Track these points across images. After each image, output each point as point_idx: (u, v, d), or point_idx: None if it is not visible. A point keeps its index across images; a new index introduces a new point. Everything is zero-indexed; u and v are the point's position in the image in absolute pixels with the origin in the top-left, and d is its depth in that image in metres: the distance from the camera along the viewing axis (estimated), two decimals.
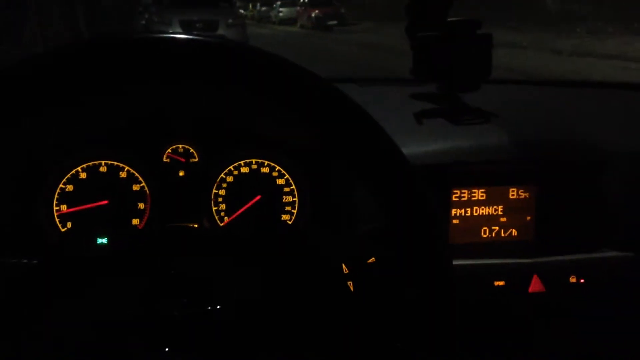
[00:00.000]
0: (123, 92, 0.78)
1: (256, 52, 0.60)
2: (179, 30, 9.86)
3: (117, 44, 0.58)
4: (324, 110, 0.60)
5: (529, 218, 0.99)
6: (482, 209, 0.99)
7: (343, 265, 0.67)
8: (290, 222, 1.05)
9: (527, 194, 0.99)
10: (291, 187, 1.06)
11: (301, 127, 0.79)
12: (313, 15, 22.30)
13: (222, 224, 1.03)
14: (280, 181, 1.06)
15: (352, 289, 0.67)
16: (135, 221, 1.00)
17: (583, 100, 1.26)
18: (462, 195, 0.98)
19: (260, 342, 0.65)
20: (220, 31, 10.08)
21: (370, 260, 0.66)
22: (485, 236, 1.00)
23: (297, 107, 0.61)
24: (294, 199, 1.06)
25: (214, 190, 1.04)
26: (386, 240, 0.63)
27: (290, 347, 0.64)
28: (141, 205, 1.01)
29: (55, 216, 0.98)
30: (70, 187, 0.98)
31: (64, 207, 0.98)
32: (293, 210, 1.06)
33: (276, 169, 1.05)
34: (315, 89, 0.60)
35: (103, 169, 1.00)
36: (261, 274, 0.70)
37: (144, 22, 11.31)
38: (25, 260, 0.69)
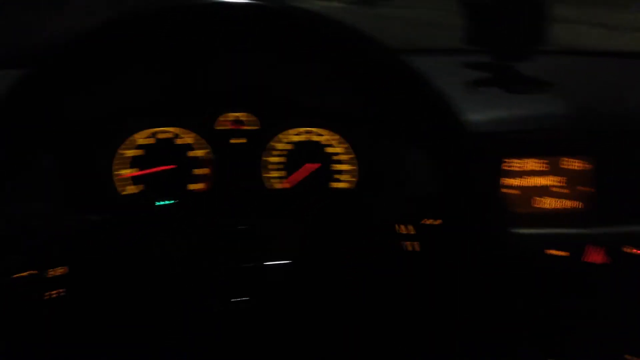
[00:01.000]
0: (179, 59, 0.80)
1: (316, 17, 0.60)
2: None
3: (182, 10, 0.59)
4: (388, 77, 0.61)
5: (585, 189, 0.98)
6: (534, 179, 0.99)
7: (401, 227, 0.69)
8: (343, 189, 1.07)
9: (584, 165, 0.98)
10: (342, 155, 1.07)
11: (359, 94, 0.80)
12: None
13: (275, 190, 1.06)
14: (331, 149, 1.07)
15: (408, 249, 0.68)
16: (192, 185, 1.04)
17: (636, 71, 1.23)
18: (514, 164, 0.98)
19: (321, 299, 0.67)
20: None
21: (425, 222, 0.68)
22: (536, 206, 0.99)
23: (361, 73, 0.62)
24: (345, 166, 1.07)
25: (266, 157, 1.06)
26: (443, 204, 0.65)
27: (348, 305, 0.67)
28: (199, 171, 1.04)
29: (119, 178, 1.02)
30: (134, 152, 1.02)
31: (127, 171, 1.02)
32: (346, 178, 1.07)
33: (329, 137, 1.07)
34: (381, 55, 0.61)
35: (162, 135, 1.03)
36: (318, 234, 0.72)
37: None
38: (94, 217, 0.73)
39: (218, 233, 0.73)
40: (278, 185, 1.06)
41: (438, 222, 0.67)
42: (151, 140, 1.03)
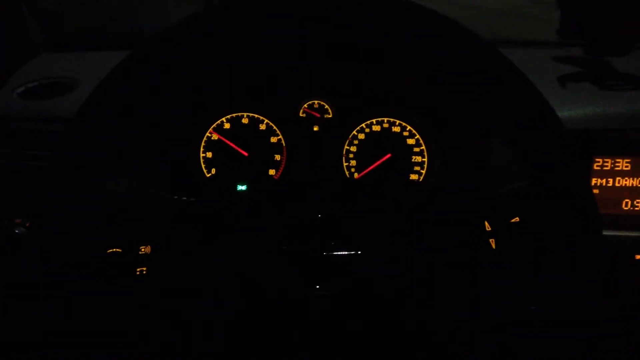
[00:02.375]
0: (269, 47, 0.81)
1: (405, 4, 0.59)
2: None
3: (260, 3, 0.60)
4: (483, 69, 0.60)
5: None
6: (626, 180, 0.94)
7: (486, 223, 0.67)
8: (419, 181, 1.06)
9: None
10: (421, 147, 1.06)
11: (443, 87, 0.79)
12: None
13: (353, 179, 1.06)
14: (410, 141, 1.06)
15: (493, 246, 0.67)
16: (271, 171, 1.06)
17: None
18: (605, 164, 0.94)
19: (399, 294, 0.67)
20: None
21: (513, 220, 0.66)
22: (626, 208, 0.95)
23: (453, 66, 0.60)
24: (424, 159, 1.06)
25: (346, 147, 1.07)
26: (532, 201, 0.63)
27: (427, 302, 0.66)
28: (277, 157, 1.06)
29: (202, 162, 1.05)
30: (215, 136, 1.05)
31: (209, 154, 1.06)
32: (422, 170, 1.06)
33: (407, 129, 1.06)
34: (476, 47, 0.59)
35: (245, 120, 1.06)
36: (398, 227, 0.72)
37: None
38: (185, 198, 0.76)
39: (297, 220, 0.74)
40: (357, 175, 1.07)
41: (516, 219, 0.65)
42: (233, 125, 1.06)
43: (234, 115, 1.06)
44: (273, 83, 1.05)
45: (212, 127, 1.05)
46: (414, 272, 0.68)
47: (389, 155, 1.06)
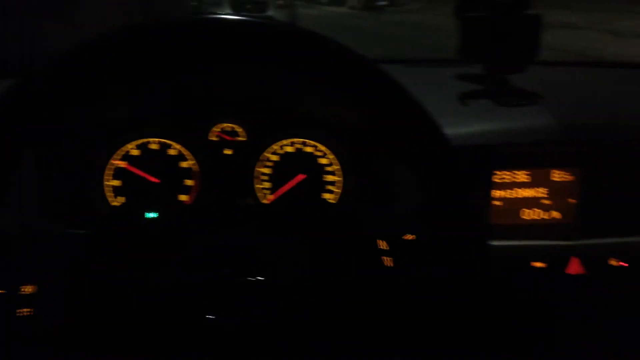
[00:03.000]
0: (175, 71, 0.81)
1: (305, 33, 0.62)
2: (229, 10, 9.94)
3: (170, 26, 0.61)
4: (369, 90, 0.62)
5: (572, 201, 0.99)
6: (525, 191, 0.99)
7: (379, 242, 0.69)
8: (333, 202, 1.07)
9: (571, 177, 0.98)
10: (335, 167, 1.07)
11: (346, 107, 0.81)
12: None
13: (265, 202, 1.07)
14: (323, 160, 1.08)
15: (389, 264, 0.69)
16: (183, 197, 1.05)
17: (628, 81, 1.23)
18: (505, 176, 0.98)
19: (299, 314, 0.68)
20: (270, 12, 10.10)
21: (407, 237, 0.68)
22: (526, 218, 1.00)
23: (344, 87, 0.63)
24: (338, 178, 1.08)
25: (259, 169, 1.07)
26: (424, 218, 0.65)
27: (328, 320, 0.67)
28: (189, 182, 1.05)
29: (107, 190, 1.03)
30: (122, 164, 1.03)
31: (117, 182, 1.03)
32: (336, 190, 1.08)
33: (320, 149, 1.07)
34: (361, 69, 0.61)
35: (154, 146, 1.04)
36: (302, 249, 0.73)
37: (195, 2, 11.46)
38: (82, 231, 0.74)
39: (206, 247, 0.73)
40: (270, 197, 1.07)
41: (412, 237, 0.67)
42: (141, 151, 1.04)
43: (142, 141, 1.04)
44: (182, 107, 1.04)
45: (118, 154, 1.03)
46: (317, 295, 0.69)
47: (301, 176, 1.07)
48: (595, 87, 1.16)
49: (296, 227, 0.78)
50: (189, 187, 1.05)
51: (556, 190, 0.98)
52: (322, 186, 1.08)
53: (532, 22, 1.02)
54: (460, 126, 0.97)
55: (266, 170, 1.07)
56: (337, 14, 21.96)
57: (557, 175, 0.98)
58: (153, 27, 0.61)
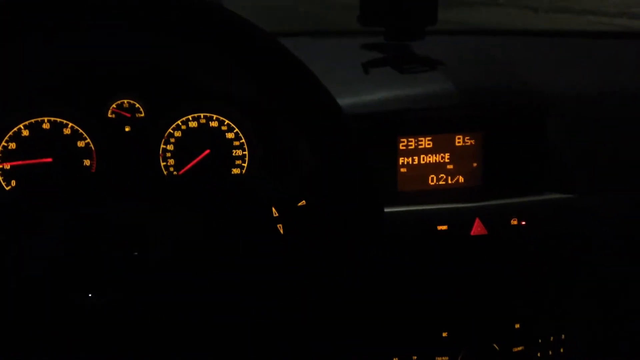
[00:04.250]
0: (60, 37, 0.77)
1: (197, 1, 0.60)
2: None
3: None
4: (259, 59, 0.61)
5: (475, 164, 1.01)
6: (429, 157, 1.00)
7: (273, 209, 0.68)
8: (240, 175, 1.05)
9: (472, 141, 1.00)
10: (241, 141, 1.05)
11: (240, 77, 0.79)
12: None
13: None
14: (229, 135, 1.05)
15: (281, 232, 0.68)
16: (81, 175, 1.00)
17: (527, 48, 1.27)
18: (410, 143, 0.99)
19: (194, 286, 0.66)
20: None
21: (300, 204, 0.67)
22: (432, 184, 1.01)
23: (236, 57, 0.61)
24: (244, 152, 1.05)
25: (162, 146, 1.03)
26: (316, 184, 0.64)
27: (222, 290, 0.65)
28: (87, 162, 1.00)
29: (5, 173, 0.96)
30: (12, 145, 0.97)
31: (6, 166, 0.97)
32: (243, 164, 1.05)
33: (225, 123, 1.05)
34: (252, 38, 0.60)
35: (46, 125, 0.98)
36: (198, 219, 0.71)
37: None
38: None
39: (100, 222, 0.70)
40: (175, 174, 1.03)
41: (302, 203, 0.66)
42: (32, 131, 0.98)
43: (32, 121, 0.97)
44: (75, 82, 0.98)
45: (7, 135, 0.96)
46: (208, 265, 0.67)
47: (207, 151, 1.04)
48: (494, 54, 1.18)
49: (194, 199, 0.75)
50: (87, 167, 1.00)
51: (459, 155, 1.00)
52: (231, 161, 1.05)
53: None
54: (364, 94, 0.96)
55: (170, 147, 1.03)
56: None
57: (460, 140, 1.00)
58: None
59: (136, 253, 0.64)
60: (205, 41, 0.63)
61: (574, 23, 8.50)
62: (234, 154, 1.05)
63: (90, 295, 0.63)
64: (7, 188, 0.97)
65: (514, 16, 9.66)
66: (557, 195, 0.95)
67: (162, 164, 1.03)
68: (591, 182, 0.98)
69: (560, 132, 0.98)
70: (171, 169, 1.03)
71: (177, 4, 0.60)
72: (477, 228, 0.92)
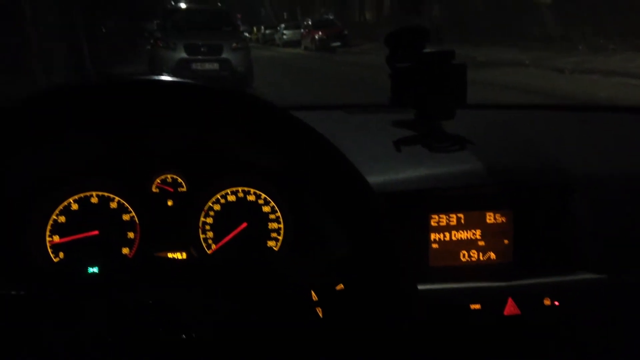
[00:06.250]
0: (114, 128, 0.82)
1: (222, 91, 0.64)
2: (184, 54, 9.99)
3: (109, 86, 0.63)
4: (286, 140, 0.64)
5: (506, 241, 1.02)
6: (460, 233, 1.02)
7: (312, 293, 0.70)
8: (276, 249, 1.08)
9: (503, 218, 1.02)
10: (277, 214, 1.09)
11: (271, 154, 0.83)
12: (317, 37, 22.52)
13: (209, 252, 1.07)
14: (266, 208, 1.09)
15: (320, 315, 0.70)
16: (125, 250, 1.04)
17: (556, 123, 1.30)
18: (441, 220, 1.01)
19: None
20: (225, 55, 10.17)
21: (339, 287, 0.69)
22: (464, 260, 1.02)
23: (264, 137, 0.65)
24: (280, 225, 1.09)
25: (202, 219, 1.07)
26: (351, 266, 0.67)
27: None
28: (131, 235, 1.04)
29: (48, 247, 1.01)
30: (62, 218, 1.02)
31: (56, 238, 1.02)
32: (279, 237, 1.09)
33: (262, 197, 1.09)
34: (275, 120, 0.64)
35: (94, 199, 1.04)
36: (241, 303, 0.73)
37: (149, 46, 11.47)
38: (14, 292, 0.72)
39: (144, 304, 0.73)
40: (214, 246, 1.07)
41: (340, 287, 0.68)
42: (81, 205, 1.03)
43: (81, 195, 1.03)
44: (122, 159, 1.04)
45: (58, 209, 1.02)
46: (249, 348, 0.69)
47: (244, 225, 1.08)
48: (522, 129, 1.22)
49: (236, 279, 0.78)
50: (131, 240, 1.04)
51: (490, 232, 1.02)
52: (267, 234, 1.09)
53: (459, 72, 1.07)
54: (395, 172, 1.00)
55: (209, 220, 1.07)
56: (293, 54, 22.32)
57: (490, 217, 1.02)
58: (92, 86, 0.63)
59: (184, 336, 0.66)
60: (234, 124, 0.67)
61: (601, 85, 8.57)
62: (269, 227, 1.09)
63: None
64: (56, 260, 1.01)
65: (540, 77, 9.77)
66: (590, 275, 0.96)
67: (202, 236, 1.07)
68: (623, 261, 0.98)
69: (589, 210, 0.99)
70: (210, 241, 1.07)
71: (210, 98, 0.65)
72: (510, 308, 0.92)
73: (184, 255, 1.06)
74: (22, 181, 0.95)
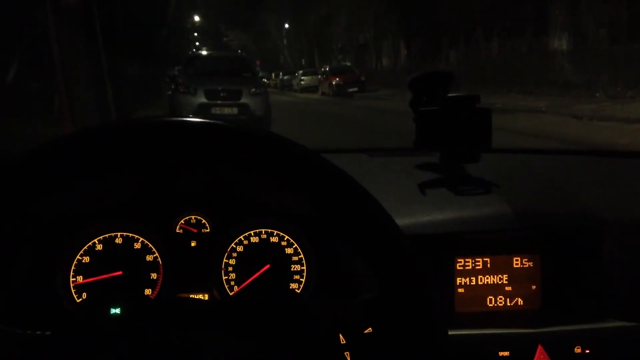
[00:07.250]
0: (144, 169, 0.83)
1: (243, 129, 0.65)
2: (204, 99, 10.18)
3: (141, 127, 0.64)
4: (317, 184, 0.64)
5: (534, 287, 1.00)
6: (487, 278, 1.00)
7: (340, 336, 0.69)
8: (298, 291, 1.07)
9: (531, 263, 1.00)
10: (299, 256, 1.08)
11: (297, 197, 0.83)
12: (334, 82, 22.88)
13: (232, 293, 1.06)
14: (289, 250, 1.08)
15: (349, 359, 0.68)
16: (147, 291, 1.04)
17: (583, 168, 1.29)
18: (467, 264, 1.00)
19: None
20: (244, 100, 10.35)
21: (367, 331, 0.68)
22: (490, 305, 1.00)
23: (290, 179, 0.65)
24: (302, 267, 1.08)
25: (225, 260, 1.07)
26: (381, 309, 0.65)
27: None
28: (154, 275, 1.04)
29: (72, 287, 1.01)
30: (86, 259, 1.02)
31: (80, 278, 1.02)
32: (301, 279, 1.08)
33: (285, 238, 1.08)
34: (306, 163, 0.64)
35: (118, 240, 1.04)
36: (265, 345, 0.72)
37: (170, 92, 11.71)
38: (38, 332, 0.72)
39: (166, 345, 0.72)
40: (236, 288, 1.06)
41: (369, 330, 0.67)
42: (105, 245, 1.03)
43: (106, 235, 1.04)
44: (148, 200, 1.05)
45: (82, 250, 1.02)
46: None
47: (267, 266, 1.07)
48: (547, 173, 1.21)
49: (260, 322, 0.77)
50: (154, 280, 1.04)
51: (517, 277, 1.00)
52: (290, 276, 1.08)
53: (484, 116, 1.07)
54: (421, 215, 0.99)
55: (232, 261, 1.07)
56: (310, 99, 22.63)
57: (517, 262, 1.00)
58: (117, 129, 0.64)
59: None
60: (260, 166, 0.68)
61: (620, 131, 8.55)
62: (292, 269, 1.08)
63: None
64: (78, 300, 1.01)
65: (557, 124, 9.79)
66: (620, 323, 0.93)
67: (224, 277, 1.06)
68: None
69: (619, 256, 0.97)
70: (232, 283, 1.07)
71: (235, 140, 0.65)
72: (540, 355, 0.90)
73: (207, 297, 1.05)
74: (52, 222, 0.97)
